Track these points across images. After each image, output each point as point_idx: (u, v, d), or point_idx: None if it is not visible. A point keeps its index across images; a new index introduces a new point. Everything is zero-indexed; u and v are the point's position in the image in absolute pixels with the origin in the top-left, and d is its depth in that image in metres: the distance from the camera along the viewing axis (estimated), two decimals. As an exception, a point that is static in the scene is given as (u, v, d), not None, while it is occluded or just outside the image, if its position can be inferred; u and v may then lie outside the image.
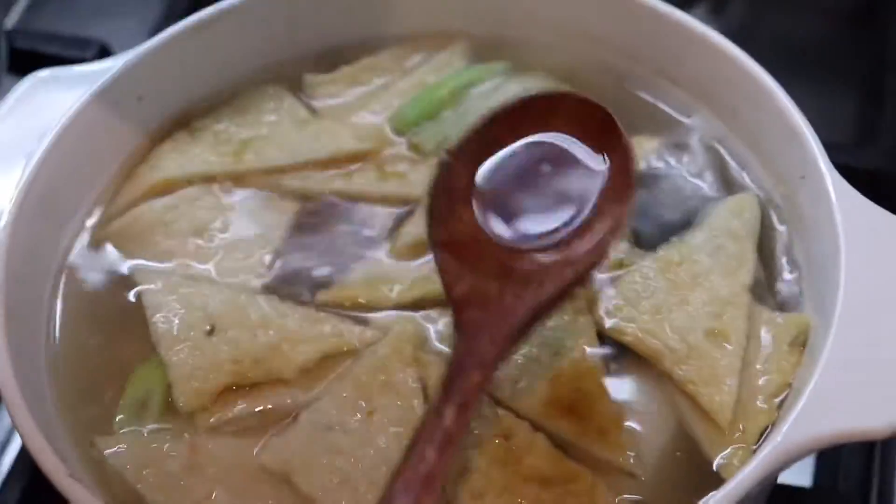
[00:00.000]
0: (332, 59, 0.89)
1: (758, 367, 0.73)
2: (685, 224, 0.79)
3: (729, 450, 0.70)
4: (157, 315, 0.75)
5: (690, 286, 0.75)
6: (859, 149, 1.04)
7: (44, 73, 0.85)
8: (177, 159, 0.83)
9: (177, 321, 0.75)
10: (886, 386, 0.66)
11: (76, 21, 1.18)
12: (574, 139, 0.70)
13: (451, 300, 0.67)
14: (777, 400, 0.71)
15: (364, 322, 0.75)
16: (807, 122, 0.77)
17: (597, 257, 0.66)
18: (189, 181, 0.82)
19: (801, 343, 0.73)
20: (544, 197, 0.69)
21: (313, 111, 0.87)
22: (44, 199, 0.77)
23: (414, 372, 0.72)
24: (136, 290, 0.77)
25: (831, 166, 0.74)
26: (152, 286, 0.77)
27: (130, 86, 0.83)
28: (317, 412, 0.71)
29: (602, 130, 0.69)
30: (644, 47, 0.85)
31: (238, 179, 0.82)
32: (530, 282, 0.66)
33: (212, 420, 0.71)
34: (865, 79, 1.10)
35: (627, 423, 0.71)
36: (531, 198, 0.70)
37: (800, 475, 0.88)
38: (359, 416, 0.70)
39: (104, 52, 1.07)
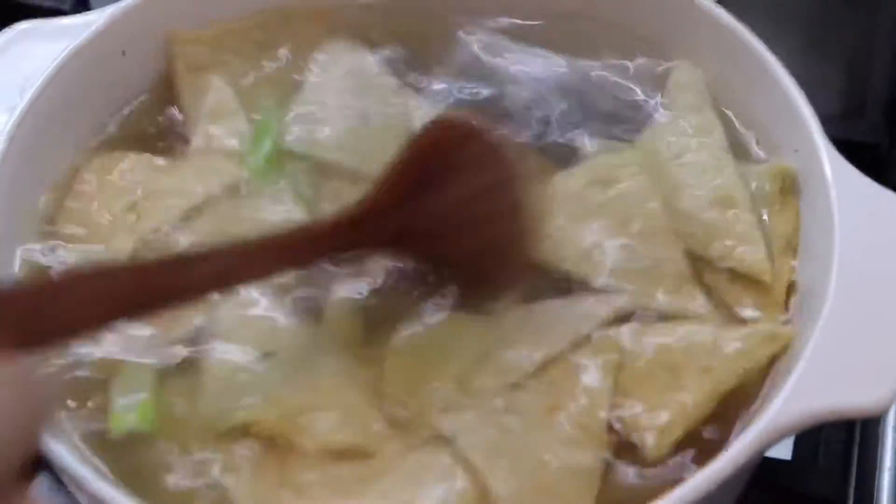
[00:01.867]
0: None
1: (763, 218, 0.75)
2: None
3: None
4: None
5: (678, 169, 0.76)
6: (846, 121, 1.02)
7: (24, 25, 0.82)
8: None
9: None
10: (879, 363, 0.65)
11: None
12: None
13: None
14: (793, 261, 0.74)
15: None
16: (803, 95, 0.76)
17: None
18: None
19: (790, 190, 0.75)
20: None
21: None
22: (26, 153, 0.76)
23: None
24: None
25: (827, 141, 0.74)
26: None
27: (114, 40, 0.81)
28: None
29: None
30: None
31: None
32: None
33: None
34: (853, 52, 1.09)
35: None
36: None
37: (780, 448, 0.86)
38: None
39: (81, 4, 1.04)
